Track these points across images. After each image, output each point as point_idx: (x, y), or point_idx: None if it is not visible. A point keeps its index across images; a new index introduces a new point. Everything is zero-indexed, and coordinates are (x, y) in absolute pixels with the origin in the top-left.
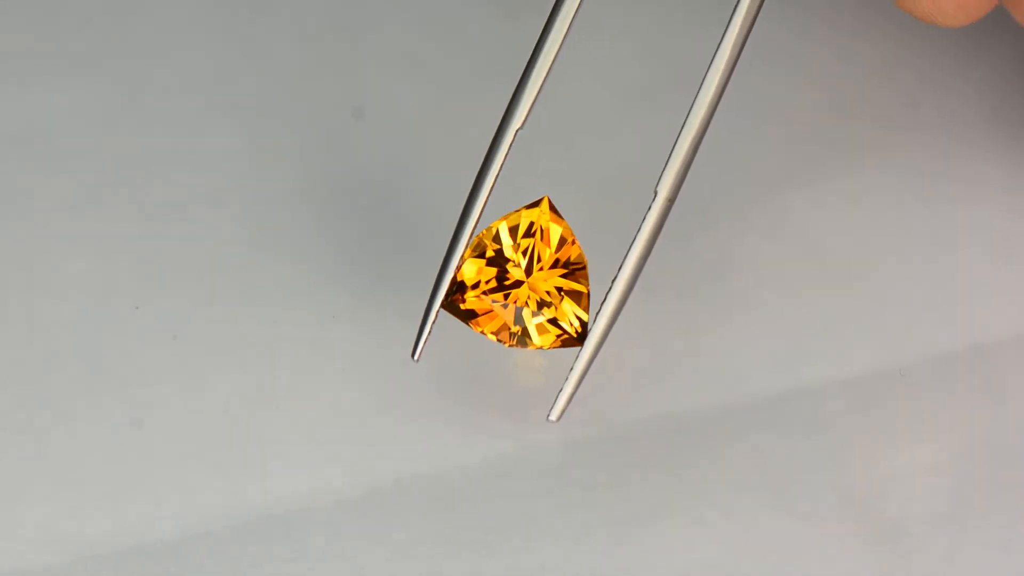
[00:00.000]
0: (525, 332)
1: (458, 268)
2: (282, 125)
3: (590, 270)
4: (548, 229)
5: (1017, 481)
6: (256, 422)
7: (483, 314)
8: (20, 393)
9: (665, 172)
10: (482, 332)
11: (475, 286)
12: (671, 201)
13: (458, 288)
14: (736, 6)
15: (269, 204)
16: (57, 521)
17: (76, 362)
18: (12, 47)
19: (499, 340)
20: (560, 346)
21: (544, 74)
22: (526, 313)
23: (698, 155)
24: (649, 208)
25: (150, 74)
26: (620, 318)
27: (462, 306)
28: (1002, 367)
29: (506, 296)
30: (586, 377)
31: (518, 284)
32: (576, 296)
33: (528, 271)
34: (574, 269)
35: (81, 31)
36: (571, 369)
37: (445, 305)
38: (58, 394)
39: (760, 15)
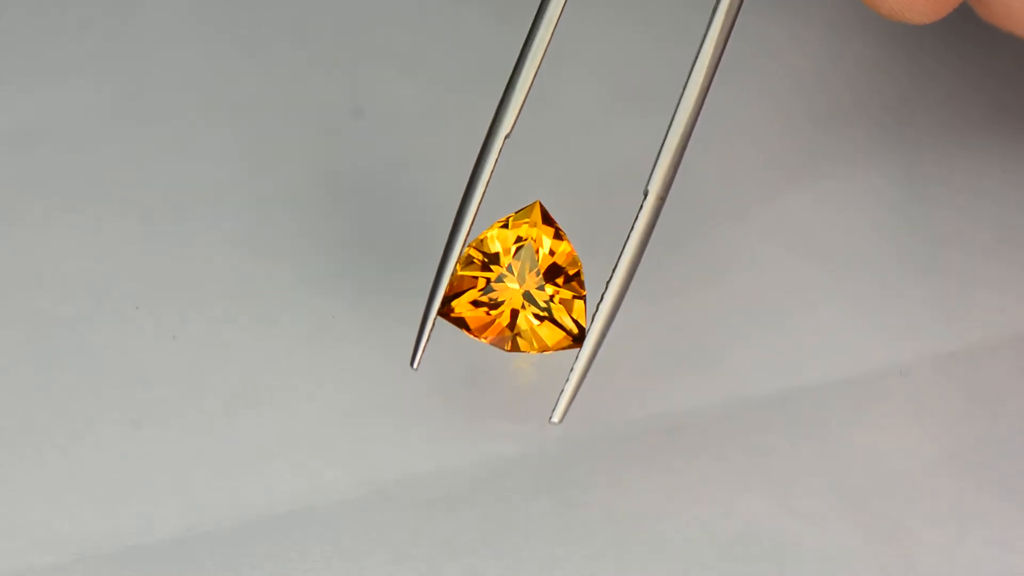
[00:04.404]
0: (522, 336)
1: (452, 276)
2: (282, 125)
3: (585, 272)
4: (541, 233)
5: (1017, 481)
6: (256, 422)
7: (479, 321)
8: (20, 393)
9: (655, 171)
10: (480, 339)
11: (471, 293)
12: (662, 199)
13: (453, 296)
14: (717, 2)
15: (269, 204)
16: (57, 521)
17: (76, 362)
18: (12, 47)
19: (496, 346)
20: (558, 349)
21: (530, 80)
22: (522, 317)
23: (697, 156)
24: (640, 207)
25: (150, 74)
26: (619, 319)
27: (456, 315)
28: (1002, 367)
29: (501, 302)
30: (585, 378)
31: (512, 289)
32: (572, 299)
33: (522, 275)
34: (568, 272)
35: (81, 31)
36: (571, 370)
37: (441, 313)
38: (58, 394)
39: (759, 15)
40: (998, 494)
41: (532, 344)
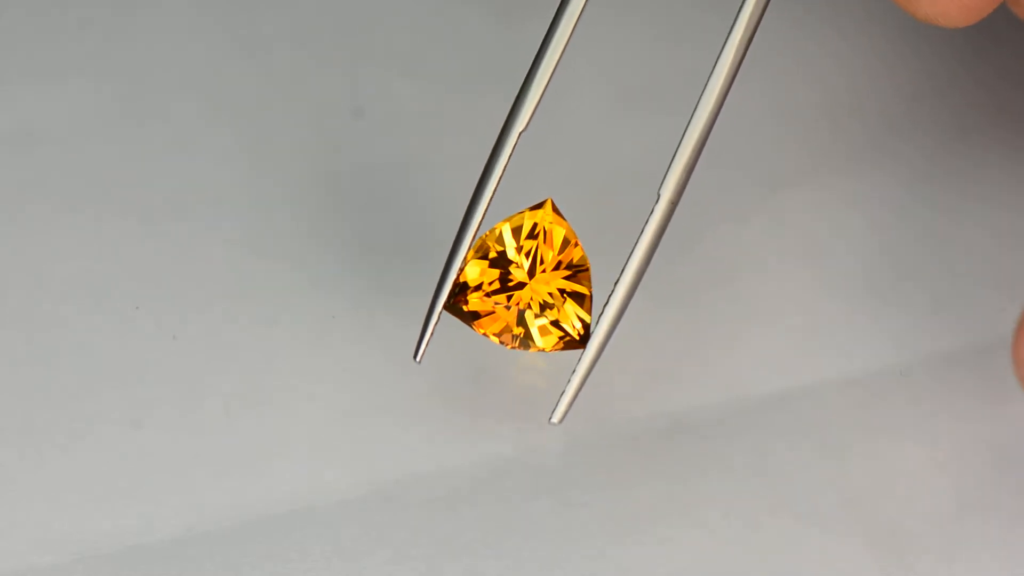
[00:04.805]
0: (527, 334)
1: (461, 269)
2: (282, 125)
3: (593, 272)
4: (551, 231)
5: (1017, 481)
6: (256, 422)
7: (485, 316)
8: (20, 393)
9: (668, 174)
10: (484, 334)
11: (478, 287)
12: (674, 203)
13: (461, 289)
14: (740, 8)
15: (269, 204)
16: (57, 521)
17: (76, 362)
18: (12, 48)
19: (501, 342)
20: (562, 348)
21: (548, 77)
22: (528, 315)
23: (700, 156)
24: (652, 210)
25: (150, 74)
26: (622, 320)
27: (465, 307)
28: (1002, 367)
29: (508, 298)
30: (588, 378)
31: (521, 286)
32: (579, 298)
33: (531, 273)
34: (577, 271)
35: (81, 31)
36: (573, 371)
37: (447, 306)
38: (58, 394)
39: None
40: (998, 494)
41: (538, 342)
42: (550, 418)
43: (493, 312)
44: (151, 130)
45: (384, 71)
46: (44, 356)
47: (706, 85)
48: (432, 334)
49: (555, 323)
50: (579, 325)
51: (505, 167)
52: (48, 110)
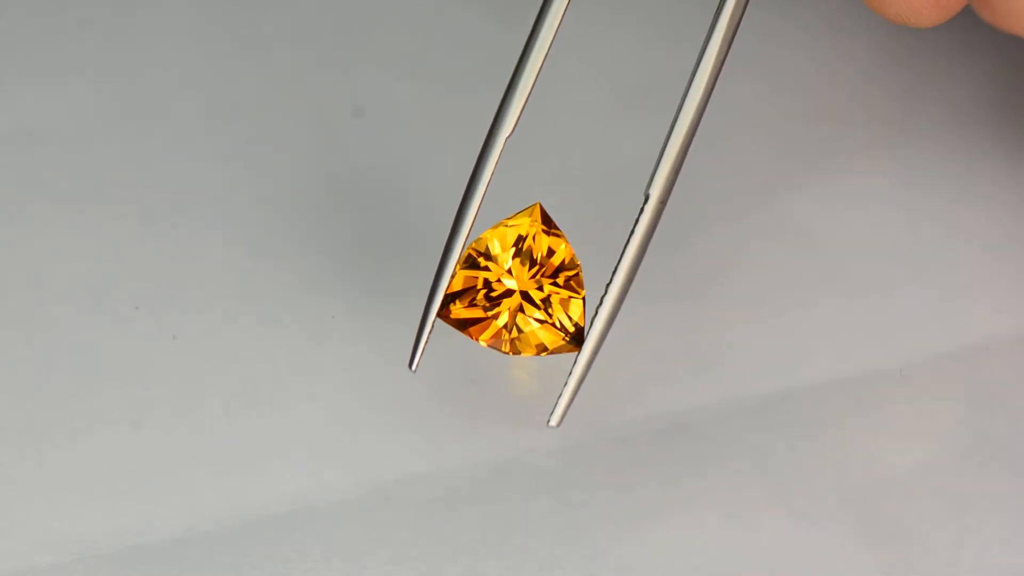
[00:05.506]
0: (520, 339)
1: (452, 277)
2: (282, 125)
3: (586, 273)
4: (541, 235)
5: (1017, 481)
6: (256, 422)
7: (478, 322)
8: (20, 393)
9: (655, 174)
10: (478, 340)
11: (469, 295)
12: (663, 203)
13: (452, 297)
14: (721, 6)
15: (269, 204)
16: (57, 521)
17: (76, 362)
18: (12, 47)
19: (494, 347)
20: (557, 351)
21: (532, 81)
22: (521, 319)
23: (697, 156)
24: (641, 211)
25: (150, 74)
26: (618, 321)
27: (456, 315)
28: (1002, 367)
29: (500, 303)
30: (585, 379)
31: (512, 291)
32: (571, 301)
33: (521, 277)
34: (568, 274)
35: (81, 31)
36: (569, 373)
37: (440, 315)
38: (58, 394)
39: (759, 14)
40: (998, 494)
41: (530, 345)
42: (549, 421)
43: (485, 318)
44: (151, 130)
45: (384, 71)
46: (44, 356)
47: (690, 83)
48: (426, 344)
49: (548, 326)
50: (572, 327)
51: (492, 174)
52: (48, 110)
